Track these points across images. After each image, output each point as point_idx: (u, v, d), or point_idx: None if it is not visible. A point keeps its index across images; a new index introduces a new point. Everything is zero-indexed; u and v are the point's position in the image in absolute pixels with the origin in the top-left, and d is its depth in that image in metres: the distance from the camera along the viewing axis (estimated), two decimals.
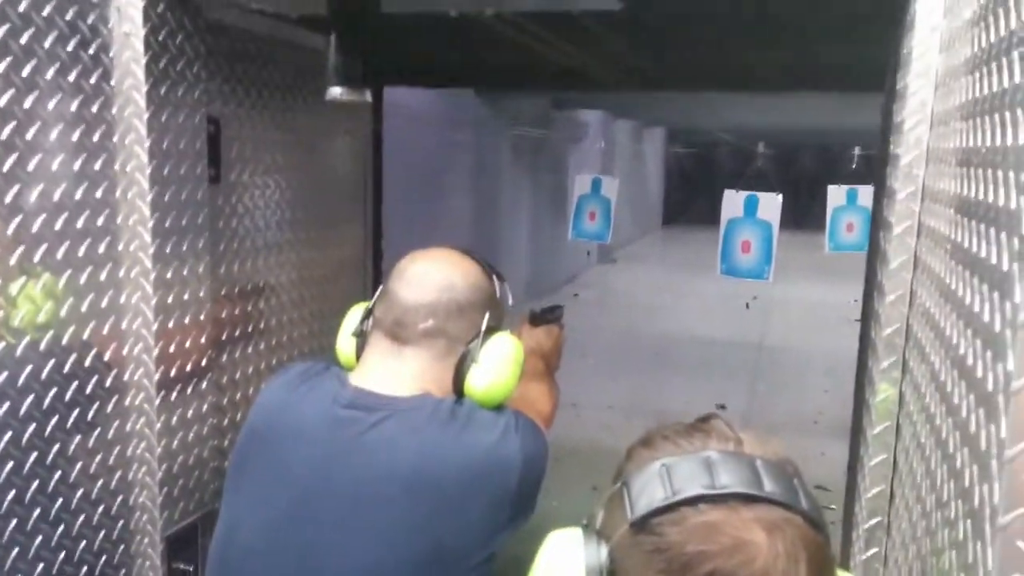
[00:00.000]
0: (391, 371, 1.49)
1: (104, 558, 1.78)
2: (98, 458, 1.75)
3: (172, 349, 1.86)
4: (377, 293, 1.59)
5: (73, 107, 1.63)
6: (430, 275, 1.53)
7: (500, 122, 9.62)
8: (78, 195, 1.66)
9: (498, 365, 1.50)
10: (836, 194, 4.40)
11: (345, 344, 1.62)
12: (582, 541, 0.86)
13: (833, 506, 2.22)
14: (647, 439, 0.92)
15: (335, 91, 1.76)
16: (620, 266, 14.96)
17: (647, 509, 0.80)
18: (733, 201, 3.99)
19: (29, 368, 1.57)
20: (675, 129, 19.49)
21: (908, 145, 1.31)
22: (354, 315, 1.64)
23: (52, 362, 1.62)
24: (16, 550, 1.56)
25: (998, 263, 0.77)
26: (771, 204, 3.94)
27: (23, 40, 1.51)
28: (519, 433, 1.43)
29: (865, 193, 4.35)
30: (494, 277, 1.62)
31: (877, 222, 1.91)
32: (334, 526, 1.38)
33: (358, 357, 1.57)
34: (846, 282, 12.09)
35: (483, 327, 1.52)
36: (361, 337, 1.58)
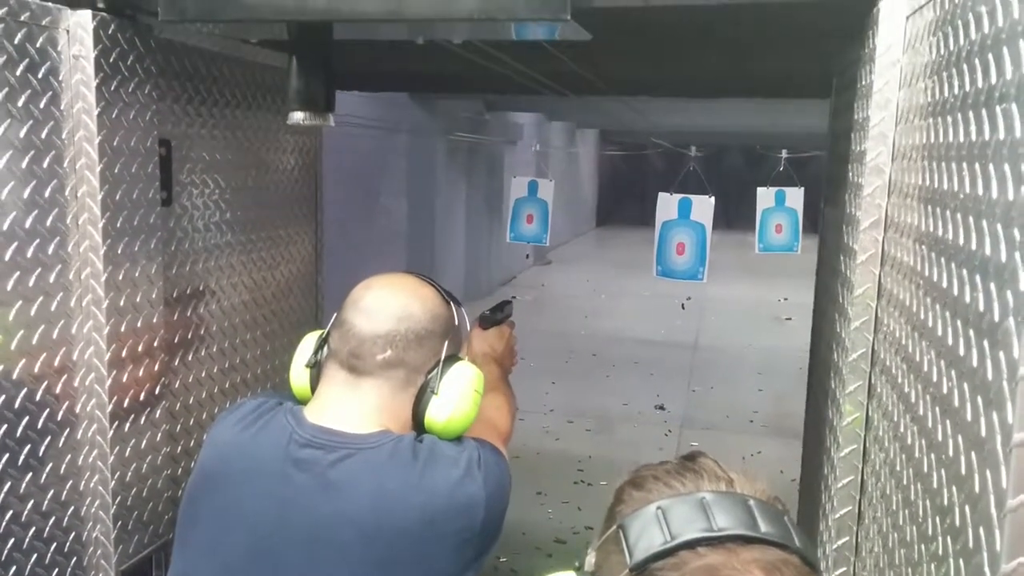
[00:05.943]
0: (349, 405, 1.44)
1: None
2: (50, 494, 1.69)
3: (125, 378, 1.80)
4: (331, 321, 1.53)
5: (22, 133, 1.57)
6: (387, 303, 1.47)
7: (435, 125, 9.59)
8: (28, 223, 1.60)
9: (459, 396, 1.45)
10: (765, 196, 4.49)
11: (299, 376, 1.57)
12: None
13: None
14: (637, 480, 0.92)
15: (297, 116, 1.71)
16: (555, 267, 15.05)
17: (646, 554, 0.80)
18: (667, 204, 4.04)
19: None
20: (608, 131, 19.70)
21: (869, 176, 1.35)
22: (307, 344, 1.59)
23: (2, 398, 1.56)
24: None
25: (986, 310, 0.80)
26: (704, 206, 4.01)
27: None
28: (482, 469, 1.40)
29: (792, 195, 4.46)
30: (451, 303, 1.57)
31: (834, 246, 1.95)
32: (293, 573, 1.34)
33: (313, 389, 1.52)
34: (774, 281, 12.36)
35: (442, 356, 1.48)
36: (315, 368, 1.53)
